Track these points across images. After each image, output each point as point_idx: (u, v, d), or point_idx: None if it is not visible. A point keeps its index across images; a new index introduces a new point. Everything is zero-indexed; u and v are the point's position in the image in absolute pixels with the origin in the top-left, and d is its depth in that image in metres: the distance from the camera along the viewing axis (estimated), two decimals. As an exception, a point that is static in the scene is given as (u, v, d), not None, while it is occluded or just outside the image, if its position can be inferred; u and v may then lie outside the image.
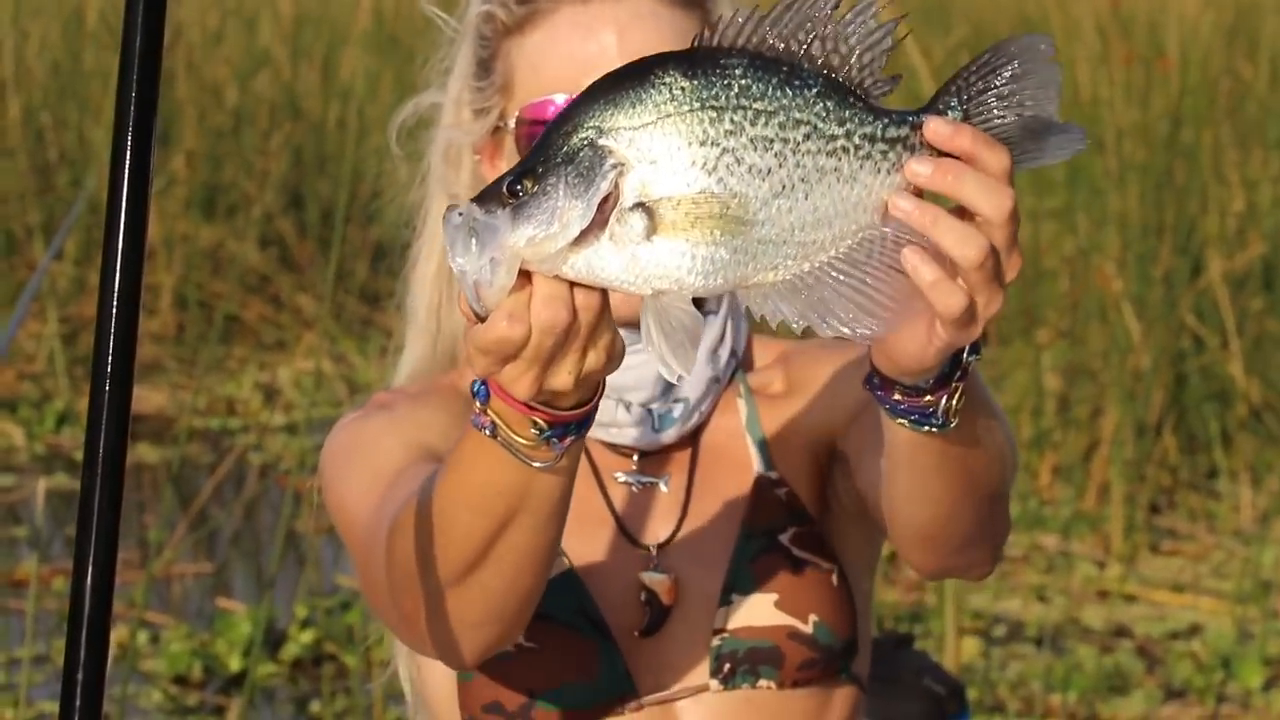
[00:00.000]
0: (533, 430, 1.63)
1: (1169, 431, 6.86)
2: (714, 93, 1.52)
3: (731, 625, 2.03)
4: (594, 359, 1.58)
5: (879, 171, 1.54)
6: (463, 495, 1.73)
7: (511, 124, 2.08)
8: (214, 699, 5.24)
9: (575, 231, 1.51)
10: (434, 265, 2.17)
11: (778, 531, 2.06)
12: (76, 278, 8.82)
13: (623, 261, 1.52)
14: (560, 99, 2.03)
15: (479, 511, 1.73)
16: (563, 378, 1.57)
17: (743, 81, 1.52)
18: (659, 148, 1.51)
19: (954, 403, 1.68)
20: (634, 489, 2.08)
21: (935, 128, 1.55)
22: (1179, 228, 7.32)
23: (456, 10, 2.23)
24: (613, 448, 2.08)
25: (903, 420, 1.69)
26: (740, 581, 2.04)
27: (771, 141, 1.52)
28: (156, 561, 6.12)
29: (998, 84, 1.58)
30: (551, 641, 2.00)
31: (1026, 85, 1.57)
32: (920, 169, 1.54)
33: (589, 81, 1.88)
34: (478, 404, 1.66)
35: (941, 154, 1.55)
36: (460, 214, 1.50)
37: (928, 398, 1.67)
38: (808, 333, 1.59)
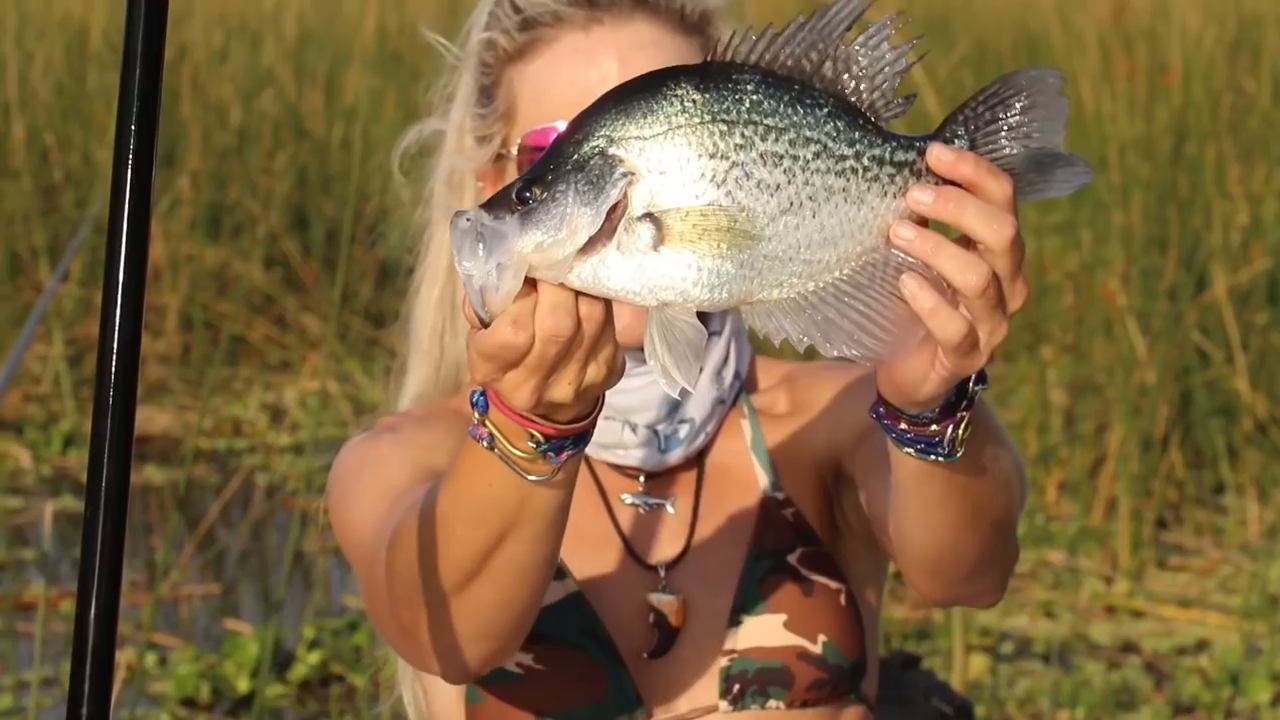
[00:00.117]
0: (530, 443, 1.63)
1: (1175, 447, 6.86)
2: (725, 106, 1.52)
3: (740, 646, 2.03)
4: (595, 371, 1.58)
5: (885, 195, 1.54)
6: (460, 507, 1.73)
7: (514, 150, 2.09)
8: (222, 721, 5.26)
9: (583, 238, 1.51)
10: (437, 291, 2.17)
11: (785, 552, 2.06)
12: (82, 299, 8.82)
13: (629, 271, 1.52)
14: (562, 125, 2.04)
15: (475, 523, 1.73)
16: (563, 388, 1.57)
17: (754, 97, 1.53)
18: (669, 158, 1.51)
19: (960, 432, 1.68)
20: (641, 510, 2.08)
21: (938, 154, 1.55)
22: (1183, 242, 7.33)
23: (458, 37, 2.23)
24: (619, 469, 2.08)
25: (909, 449, 1.69)
26: (749, 602, 2.04)
27: (781, 158, 1.52)
28: (164, 583, 6.13)
29: (1005, 115, 1.58)
30: (560, 663, 2.00)
31: (1034, 117, 1.58)
32: (922, 197, 1.55)
33: None
34: (476, 415, 1.66)
35: (945, 182, 1.55)
36: (468, 219, 1.51)
37: (934, 427, 1.67)
38: (810, 352, 1.59)
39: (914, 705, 3.19)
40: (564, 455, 1.65)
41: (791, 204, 1.52)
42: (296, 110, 10.66)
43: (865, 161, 1.54)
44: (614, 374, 1.60)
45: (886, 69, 1.55)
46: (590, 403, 1.64)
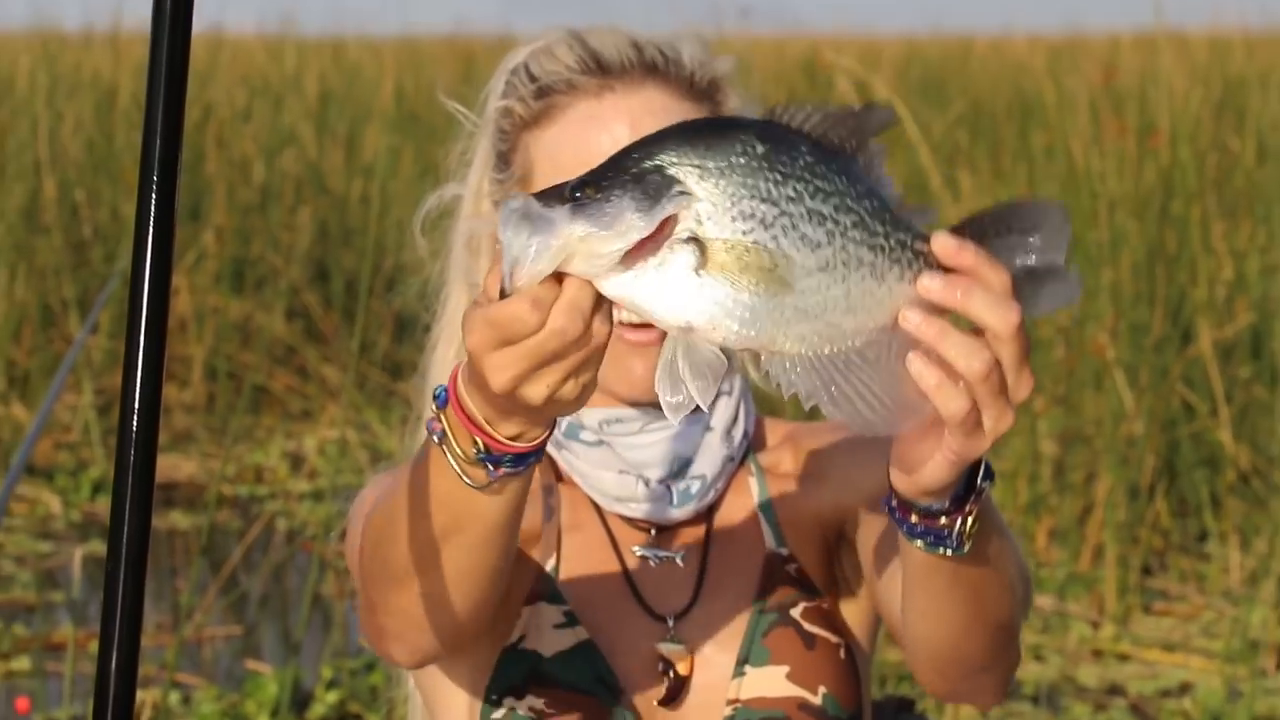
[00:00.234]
0: (472, 449, 1.63)
1: (1161, 496, 6.86)
2: (782, 159, 1.53)
3: (745, 696, 2.03)
4: (571, 388, 1.56)
5: (902, 278, 1.56)
6: (411, 499, 1.73)
7: None
8: (243, 758, 5.26)
9: (631, 241, 1.50)
10: (453, 350, 2.17)
11: (789, 606, 2.06)
12: (111, 350, 8.83)
13: (664, 289, 1.52)
14: None
15: (421, 516, 1.73)
16: (539, 389, 1.55)
17: (808, 158, 1.54)
18: (725, 190, 1.52)
19: (968, 526, 1.69)
20: (651, 562, 2.07)
21: (942, 242, 1.56)
22: (1169, 298, 7.33)
23: (475, 105, 2.24)
24: (630, 522, 2.08)
25: (918, 542, 1.70)
26: (754, 654, 2.04)
27: (825, 219, 1.53)
28: (188, 625, 6.14)
29: (1010, 229, 1.60)
30: (571, 709, 1.99)
31: (1037, 238, 1.60)
32: (931, 283, 1.56)
33: None
34: (434, 407, 1.65)
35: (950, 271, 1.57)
36: (521, 200, 1.50)
37: (943, 520, 1.69)
38: (814, 410, 1.59)
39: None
40: (500, 470, 1.64)
41: (827, 264, 1.53)
42: (317, 168, 10.69)
43: (891, 242, 1.55)
44: (581, 401, 1.58)
45: (889, 187, 1.58)
46: (545, 423, 1.62)
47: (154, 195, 1.61)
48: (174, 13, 1.61)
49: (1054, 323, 7.73)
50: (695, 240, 1.52)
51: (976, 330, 1.57)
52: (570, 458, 2.05)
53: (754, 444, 2.14)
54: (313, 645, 6.06)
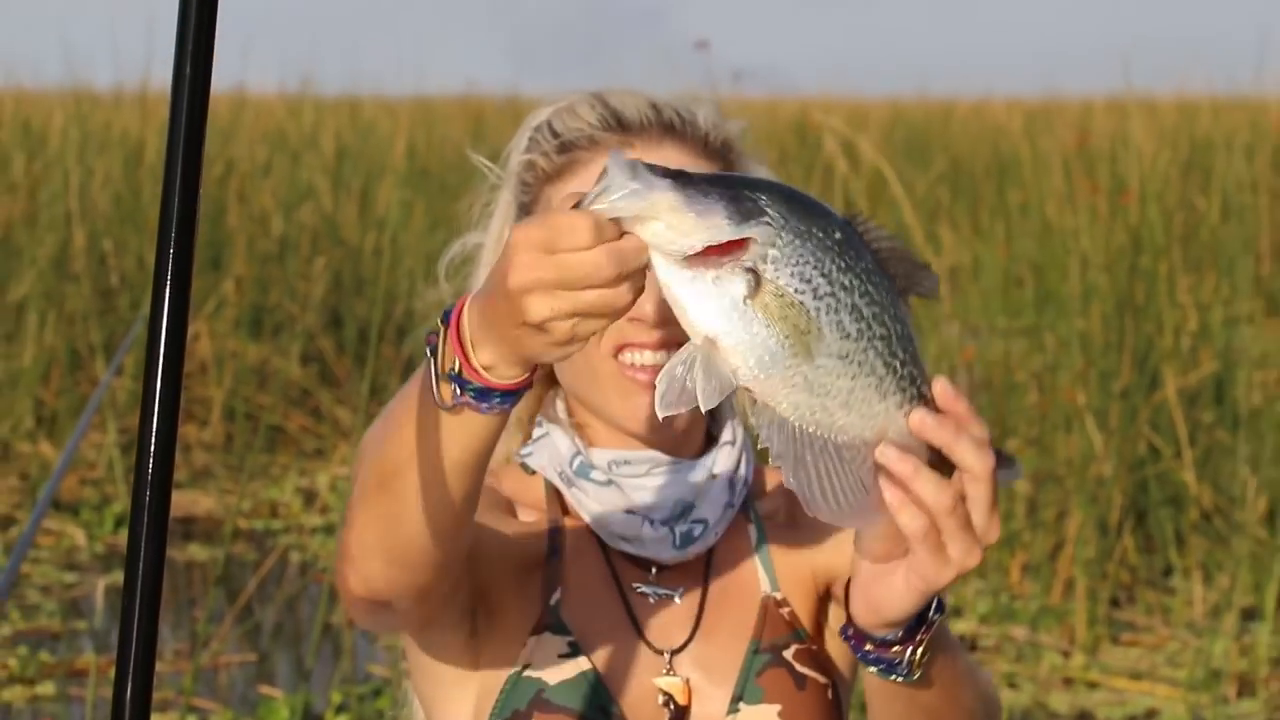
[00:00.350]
0: (450, 366, 1.61)
1: (1128, 533, 6.87)
2: (850, 252, 1.55)
3: None
4: (566, 327, 1.54)
5: (899, 405, 1.58)
6: (391, 416, 1.72)
7: None
8: (256, 778, 5.26)
9: (707, 239, 1.51)
10: None
11: (782, 648, 2.04)
12: (134, 392, 8.83)
13: (707, 299, 1.52)
14: None
15: (396, 426, 1.71)
16: (543, 307, 1.52)
17: (870, 264, 1.56)
18: (797, 248, 1.53)
19: (918, 655, 1.70)
20: (651, 599, 2.06)
21: (944, 386, 1.59)
22: (1137, 346, 7.34)
23: (499, 159, 2.23)
24: (633, 559, 2.06)
25: (872, 668, 1.72)
26: (748, 692, 2.02)
27: (862, 319, 1.55)
28: (204, 652, 6.14)
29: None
30: None
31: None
32: (926, 419, 1.58)
33: None
34: (439, 322, 1.63)
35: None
36: (633, 157, 1.51)
37: (895, 648, 1.70)
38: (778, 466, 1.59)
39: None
40: (464, 396, 1.62)
41: (848, 356, 1.55)
42: (333, 220, 10.71)
43: (904, 370, 1.57)
44: (565, 349, 1.55)
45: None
46: (520, 363, 1.59)
47: (172, 248, 1.61)
48: (193, 76, 1.62)
49: (1028, 368, 7.75)
50: (754, 273, 1.53)
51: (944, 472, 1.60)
52: (579, 495, 2.04)
53: (753, 491, 2.13)
54: (323, 672, 6.06)
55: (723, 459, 2.07)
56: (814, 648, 2.06)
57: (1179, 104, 14.68)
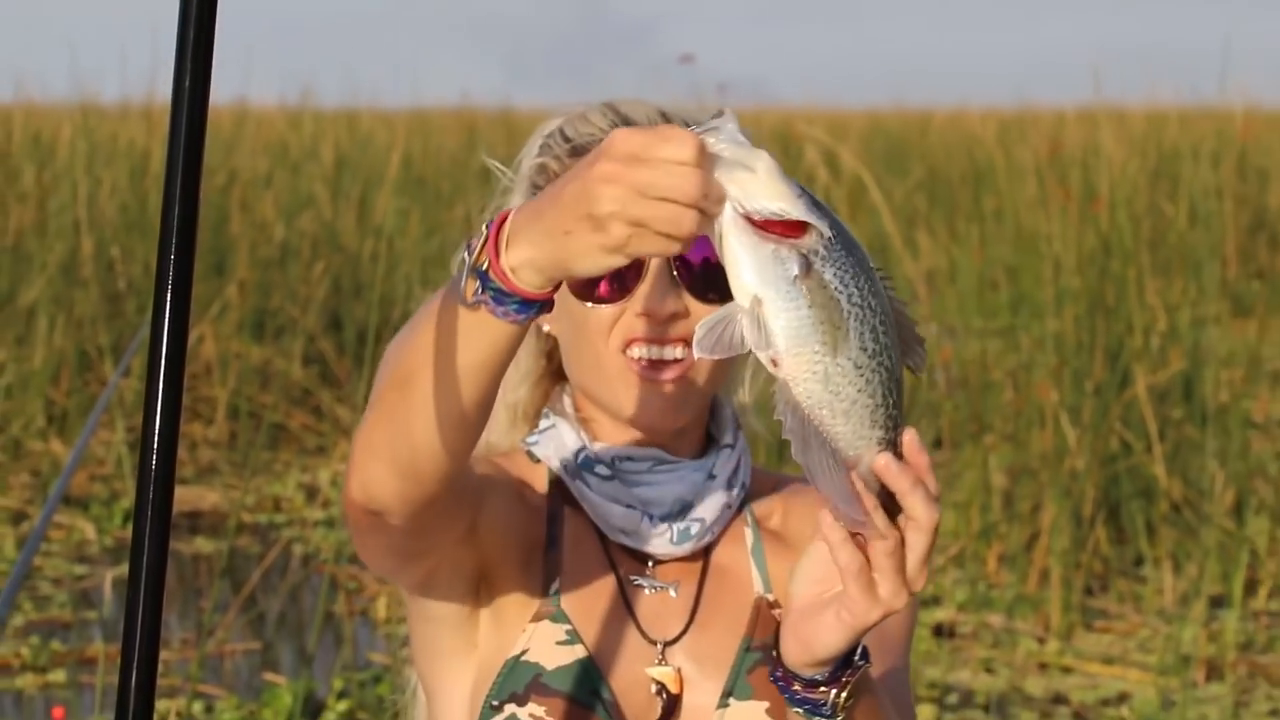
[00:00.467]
0: (480, 262, 1.60)
1: (1101, 524, 6.88)
2: (880, 287, 1.59)
3: None
4: (628, 236, 1.51)
5: (876, 440, 1.60)
6: (419, 318, 1.70)
7: None
8: (260, 761, 5.26)
9: (786, 207, 1.53)
10: None
11: (772, 647, 1.99)
12: (141, 392, 8.81)
13: (764, 267, 1.54)
14: None
15: (418, 331, 1.69)
16: (617, 201, 1.50)
17: (889, 308, 1.59)
18: (846, 255, 1.56)
19: (843, 697, 1.71)
20: (647, 591, 2.04)
21: (911, 439, 1.61)
22: (1109, 346, 7.35)
23: (512, 164, 2.21)
24: (631, 553, 2.05)
25: (798, 709, 1.73)
26: (738, 688, 2.00)
27: (880, 344, 1.58)
28: (210, 640, 6.14)
29: None
30: (568, 718, 1.96)
31: None
32: (891, 463, 1.60)
33: None
34: (485, 225, 1.62)
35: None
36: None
37: (821, 689, 1.70)
38: (786, 443, 1.63)
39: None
40: (485, 294, 1.60)
41: (861, 367, 1.57)
42: (332, 227, 10.71)
43: (893, 411, 1.60)
44: (609, 258, 1.53)
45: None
46: (553, 267, 1.56)
47: (173, 254, 1.61)
48: (192, 89, 1.62)
49: (1003, 367, 7.76)
50: (806, 260, 1.55)
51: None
52: (582, 487, 2.03)
53: (750, 495, 2.11)
54: (325, 659, 6.06)
55: (723, 461, 2.06)
56: None
57: (1147, 114, 14.69)
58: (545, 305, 1.61)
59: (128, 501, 7.83)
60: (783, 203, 1.53)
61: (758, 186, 1.53)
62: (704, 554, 2.07)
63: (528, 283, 1.59)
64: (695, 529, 2.04)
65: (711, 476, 2.05)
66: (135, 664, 1.59)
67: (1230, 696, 5.79)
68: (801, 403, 1.57)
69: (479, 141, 15.04)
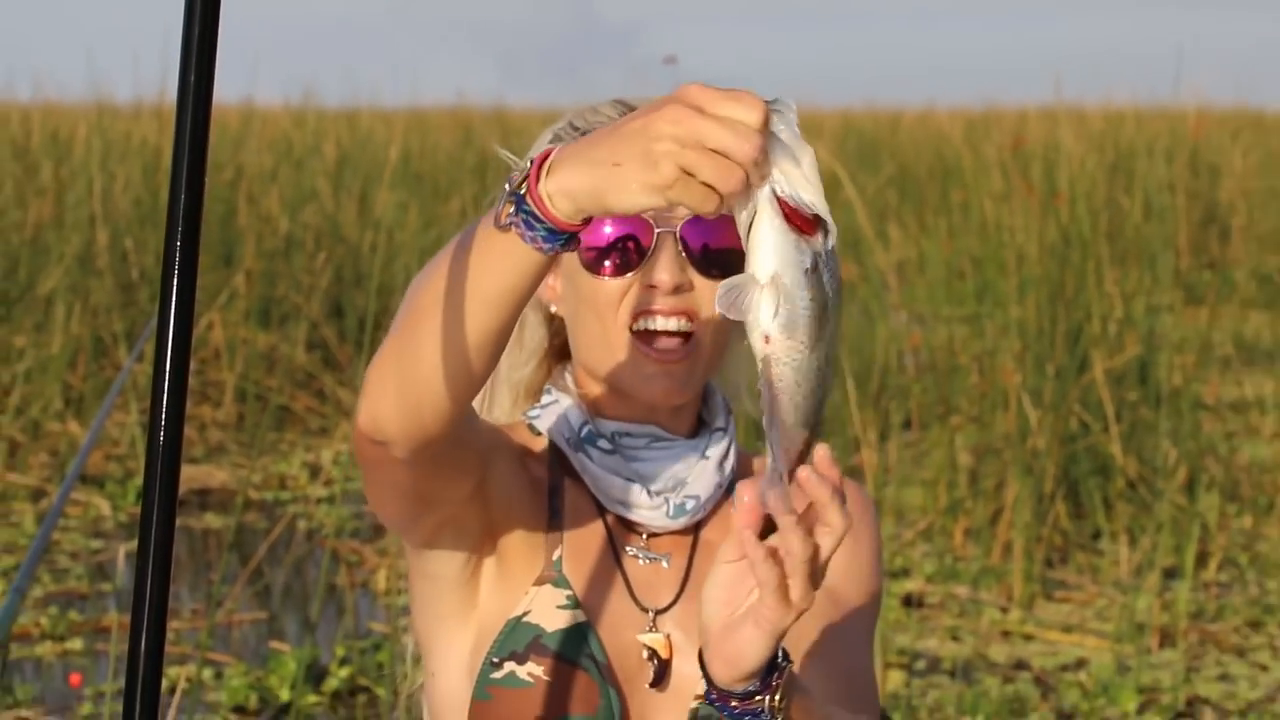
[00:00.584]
0: (519, 186, 1.57)
1: (1060, 500, 6.89)
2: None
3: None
4: (674, 178, 1.49)
5: (799, 442, 1.60)
6: (445, 251, 1.68)
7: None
8: (267, 724, 5.26)
9: (817, 201, 1.52)
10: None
11: None
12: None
13: (787, 250, 1.53)
14: (611, 225, 1.98)
15: (443, 261, 1.67)
16: (676, 139, 1.49)
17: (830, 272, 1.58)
18: (835, 263, 1.56)
19: (778, 699, 1.70)
20: (642, 562, 2.05)
21: (824, 453, 1.61)
22: (1068, 332, 7.36)
23: (500, 163, 2.20)
24: (627, 524, 2.05)
25: None
26: None
27: (832, 357, 1.58)
28: (219, 611, 6.14)
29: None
30: (565, 678, 1.97)
31: None
32: (813, 476, 1.60)
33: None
34: (533, 154, 1.59)
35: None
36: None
37: (757, 698, 1.69)
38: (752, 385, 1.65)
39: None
40: (517, 216, 1.58)
41: (818, 370, 1.57)
42: (334, 220, 10.70)
43: (819, 416, 1.59)
44: (650, 197, 1.51)
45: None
46: (590, 199, 1.54)
47: (179, 244, 1.61)
48: (197, 88, 1.62)
49: (969, 352, 7.77)
50: (815, 258, 1.54)
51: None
52: (584, 459, 2.03)
53: (738, 478, 2.11)
54: (328, 628, 6.06)
55: (715, 443, 2.06)
56: None
57: (1105, 113, 14.71)
58: (570, 240, 1.59)
59: (140, 479, 7.82)
60: (816, 199, 1.53)
61: (799, 176, 1.52)
62: (695, 530, 2.07)
63: (560, 210, 1.56)
64: (690, 505, 2.04)
65: (705, 456, 2.05)
66: (145, 631, 1.58)
67: (1182, 662, 5.80)
68: (774, 383, 1.57)
69: (474, 139, 15.03)
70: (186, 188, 1.60)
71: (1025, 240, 7.86)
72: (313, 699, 5.40)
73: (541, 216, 1.56)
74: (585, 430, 2.04)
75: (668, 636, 2.01)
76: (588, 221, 1.57)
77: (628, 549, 2.05)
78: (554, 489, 2.05)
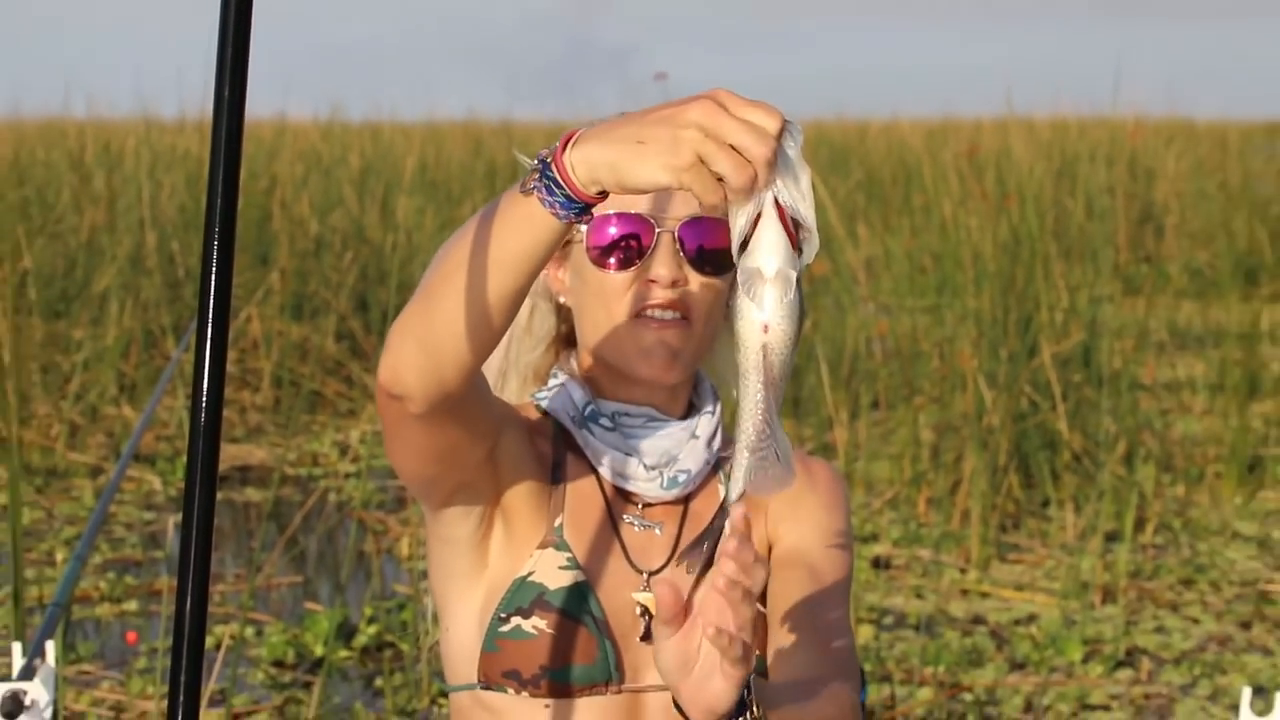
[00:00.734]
0: (543, 161, 1.57)
1: (1013, 472, 6.89)
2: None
3: None
4: (690, 162, 1.49)
5: (743, 469, 1.59)
6: (472, 220, 1.66)
7: (580, 237, 2.02)
8: (303, 677, 5.25)
9: (809, 216, 1.51)
10: (498, 361, 2.15)
11: None
12: (199, 364, 8.80)
13: (789, 252, 1.51)
14: (615, 225, 1.98)
15: (469, 228, 1.65)
16: (700, 127, 1.48)
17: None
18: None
19: (760, 712, 1.71)
20: (637, 529, 2.05)
21: (741, 513, 1.59)
22: (1020, 320, 7.36)
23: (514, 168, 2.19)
24: (624, 495, 2.06)
25: None
26: None
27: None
28: (259, 575, 6.15)
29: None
30: (566, 631, 1.97)
31: None
32: (731, 541, 1.59)
33: (650, 200, 1.91)
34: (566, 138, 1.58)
35: None
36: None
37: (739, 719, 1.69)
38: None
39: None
40: (540, 180, 1.56)
41: (776, 384, 1.55)
42: (359, 223, 10.69)
43: (774, 435, 1.58)
44: (667, 173, 1.49)
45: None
46: (610, 173, 1.53)
47: (216, 245, 1.60)
48: (230, 104, 1.62)
49: (931, 339, 7.77)
50: (800, 252, 1.53)
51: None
52: (587, 435, 2.03)
53: (722, 457, 2.11)
54: (356, 590, 6.07)
55: (703, 424, 2.07)
56: (763, 588, 2.06)
57: (1051, 123, 14.71)
58: (585, 211, 1.58)
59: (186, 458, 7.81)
60: (810, 216, 1.52)
61: (798, 192, 1.52)
62: (684, 502, 2.08)
63: (580, 178, 1.55)
64: (682, 478, 2.05)
65: (695, 436, 2.06)
66: (190, 594, 1.59)
67: (1122, 616, 5.81)
68: (767, 371, 1.55)
69: (483, 150, 15.02)
70: (222, 194, 1.60)
71: (980, 238, 7.87)
72: (344, 654, 5.40)
73: (561, 182, 1.56)
74: (589, 409, 2.04)
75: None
76: (603, 195, 1.57)
77: (625, 517, 2.05)
78: (557, 463, 2.05)
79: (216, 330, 1.58)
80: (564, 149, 1.56)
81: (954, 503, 6.78)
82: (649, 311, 1.99)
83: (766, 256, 1.52)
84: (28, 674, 2.21)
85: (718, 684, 1.63)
